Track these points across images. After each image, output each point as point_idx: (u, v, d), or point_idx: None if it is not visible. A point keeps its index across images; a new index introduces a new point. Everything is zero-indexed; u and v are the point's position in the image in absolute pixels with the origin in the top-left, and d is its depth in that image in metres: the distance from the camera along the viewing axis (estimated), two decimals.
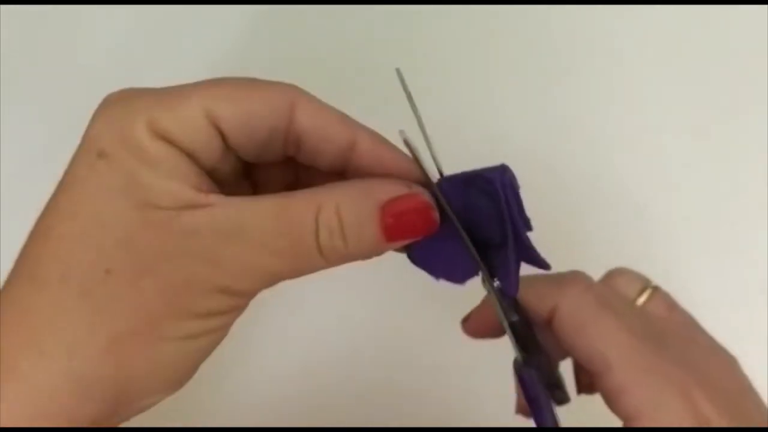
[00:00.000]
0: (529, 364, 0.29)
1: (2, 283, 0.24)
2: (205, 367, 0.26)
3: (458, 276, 0.28)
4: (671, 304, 0.32)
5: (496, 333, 0.33)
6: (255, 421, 0.43)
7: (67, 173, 0.25)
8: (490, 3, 0.49)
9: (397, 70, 0.27)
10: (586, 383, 0.32)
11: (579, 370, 0.33)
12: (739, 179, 0.50)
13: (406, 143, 0.26)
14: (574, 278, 0.31)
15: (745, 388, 0.30)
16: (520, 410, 0.34)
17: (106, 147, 0.24)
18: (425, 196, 0.26)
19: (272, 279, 0.25)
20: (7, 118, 0.47)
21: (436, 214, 0.26)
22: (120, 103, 0.25)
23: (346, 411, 0.45)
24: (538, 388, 0.28)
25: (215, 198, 0.24)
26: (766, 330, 0.48)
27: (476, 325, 0.34)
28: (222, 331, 0.26)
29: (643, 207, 0.49)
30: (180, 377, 0.25)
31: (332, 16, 0.49)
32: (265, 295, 0.26)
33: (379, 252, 0.26)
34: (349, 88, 0.49)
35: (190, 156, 0.25)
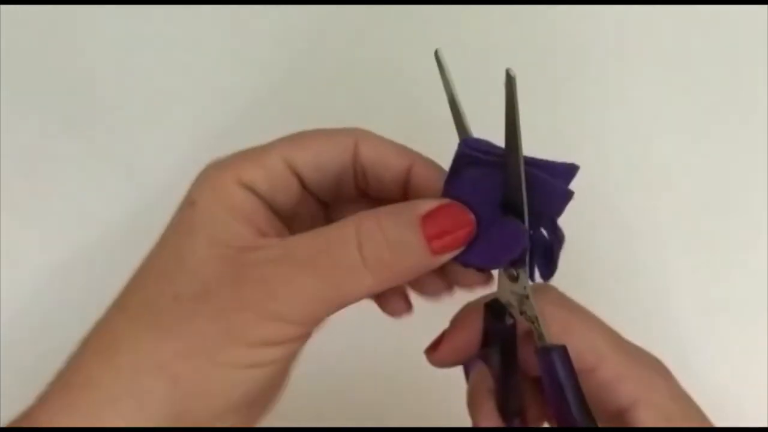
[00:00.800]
0: (556, 347, 0.29)
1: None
2: None
3: (517, 248, 0.27)
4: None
5: (469, 355, 0.33)
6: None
7: (168, 225, 0.28)
8: (491, 3, 0.49)
9: (437, 51, 0.28)
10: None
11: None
12: (739, 180, 0.50)
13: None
14: (546, 286, 0.32)
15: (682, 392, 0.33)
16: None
17: (196, 197, 0.27)
18: (459, 207, 0.27)
19: (319, 304, 0.26)
20: (7, 117, 0.47)
21: (472, 221, 0.27)
22: (214, 164, 0.28)
23: (346, 411, 0.45)
24: (569, 370, 0.29)
25: (276, 240, 0.27)
26: (766, 331, 0.48)
27: (451, 348, 0.33)
28: (276, 366, 0.26)
29: (642, 207, 0.49)
30: (239, 405, 0.26)
31: (319, 15, 0.49)
32: None
33: (426, 266, 0.27)
34: (347, 86, 0.50)
35: (270, 201, 0.28)
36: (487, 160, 0.27)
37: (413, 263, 0.26)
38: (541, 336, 0.29)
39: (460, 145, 0.27)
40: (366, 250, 0.26)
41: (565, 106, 0.50)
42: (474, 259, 0.27)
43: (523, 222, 0.27)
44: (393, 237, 0.26)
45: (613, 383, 0.30)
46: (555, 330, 0.30)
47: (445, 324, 0.33)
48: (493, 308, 0.31)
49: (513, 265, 0.29)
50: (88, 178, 0.48)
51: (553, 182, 0.26)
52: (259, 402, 0.27)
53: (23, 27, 0.48)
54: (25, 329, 0.46)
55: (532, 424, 0.33)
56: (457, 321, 0.33)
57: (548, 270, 0.28)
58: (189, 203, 0.27)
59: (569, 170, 0.27)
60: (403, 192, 0.29)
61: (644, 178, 0.50)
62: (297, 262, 0.26)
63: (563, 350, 0.29)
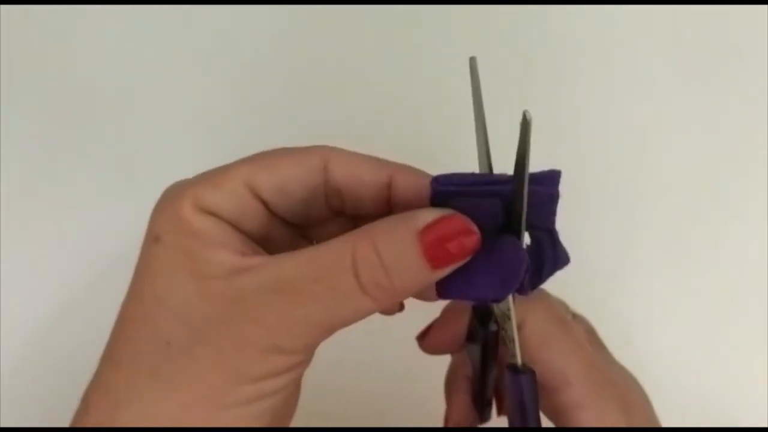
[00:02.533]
0: (526, 370, 0.29)
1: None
2: None
3: (506, 285, 0.26)
4: (589, 328, 0.34)
5: (455, 348, 0.34)
6: None
7: (136, 263, 0.27)
8: (490, 3, 0.49)
9: (472, 59, 0.27)
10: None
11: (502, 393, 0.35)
12: (739, 180, 0.50)
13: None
14: (540, 295, 0.32)
15: (651, 407, 0.33)
16: (454, 425, 0.35)
17: (159, 232, 0.26)
18: (463, 217, 0.26)
19: (319, 330, 0.25)
20: (7, 117, 0.47)
21: (476, 231, 0.26)
22: (170, 191, 0.27)
23: (345, 411, 0.45)
24: (535, 393, 0.29)
25: (259, 259, 0.25)
26: (766, 330, 0.48)
27: (436, 341, 0.34)
28: (286, 391, 0.26)
29: (642, 207, 0.49)
30: None
31: (328, 16, 0.49)
32: None
33: (427, 281, 0.25)
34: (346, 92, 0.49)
35: (237, 226, 0.26)
36: (467, 192, 0.26)
37: (413, 283, 0.25)
38: (513, 356, 0.29)
39: (432, 185, 0.26)
40: (363, 276, 0.24)
41: (564, 105, 0.50)
42: (451, 287, 0.26)
43: (520, 242, 0.26)
44: (390, 259, 0.24)
45: (571, 409, 0.30)
46: (532, 343, 0.30)
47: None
48: (480, 313, 0.32)
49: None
50: (87, 180, 0.48)
51: (540, 192, 0.26)
52: (276, 422, 0.26)
53: (23, 27, 0.48)
54: (26, 332, 0.46)
55: (504, 414, 0.35)
56: (445, 315, 0.34)
57: (533, 284, 0.27)
58: (153, 240, 0.26)
59: (552, 177, 0.26)
60: (387, 206, 0.28)
61: (644, 178, 0.50)
62: (290, 291, 0.24)
63: (532, 376, 0.29)
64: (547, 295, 0.33)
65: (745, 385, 0.47)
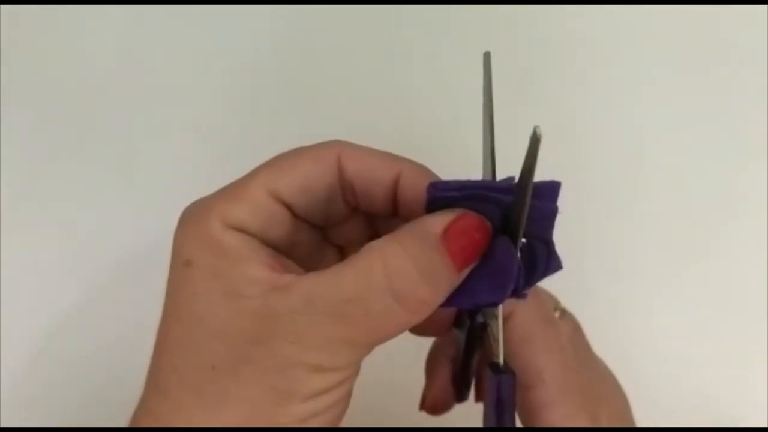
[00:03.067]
0: (507, 371, 0.29)
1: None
2: None
3: (509, 276, 0.26)
4: (576, 327, 0.34)
5: (441, 332, 0.34)
6: None
7: (167, 284, 0.26)
8: (490, 3, 0.49)
9: (486, 54, 0.26)
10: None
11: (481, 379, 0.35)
12: (739, 180, 0.50)
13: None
14: (531, 290, 0.31)
15: (629, 409, 0.34)
16: (430, 406, 0.35)
17: (189, 255, 0.25)
18: (473, 214, 0.25)
19: (359, 349, 0.25)
20: (7, 118, 0.47)
21: (488, 223, 0.25)
22: (194, 209, 0.26)
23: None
24: (513, 394, 0.29)
25: (289, 278, 0.24)
26: (765, 331, 0.48)
27: (425, 322, 0.34)
28: (340, 406, 0.25)
29: (641, 207, 0.49)
30: None
31: (328, 17, 0.49)
32: None
33: (454, 285, 0.25)
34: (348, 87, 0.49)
35: (264, 238, 0.26)
36: (465, 196, 0.25)
37: (445, 289, 0.25)
38: (496, 355, 0.29)
39: (428, 191, 0.26)
40: (399, 291, 0.24)
41: (563, 105, 0.50)
42: (476, 298, 0.26)
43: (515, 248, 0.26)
44: (424, 269, 0.24)
45: (540, 408, 0.30)
46: (514, 336, 0.30)
47: None
48: None
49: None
50: (87, 180, 0.48)
51: (540, 206, 0.25)
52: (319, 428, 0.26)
53: (22, 28, 0.48)
54: (25, 332, 0.46)
55: (483, 399, 0.35)
56: (430, 373, 0.35)
57: (524, 287, 0.27)
58: (184, 264, 0.25)
59: (552, 188, 0.26)
60: (393, 203, 0.28)
61: (643, 177, 0.50)
62: (324, 313, 0.24)
63: (512, 377, 0.29)
64: (537, 291, 0.32)
65: (745, 385, 0.47)
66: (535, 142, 0.22)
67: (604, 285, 0.48)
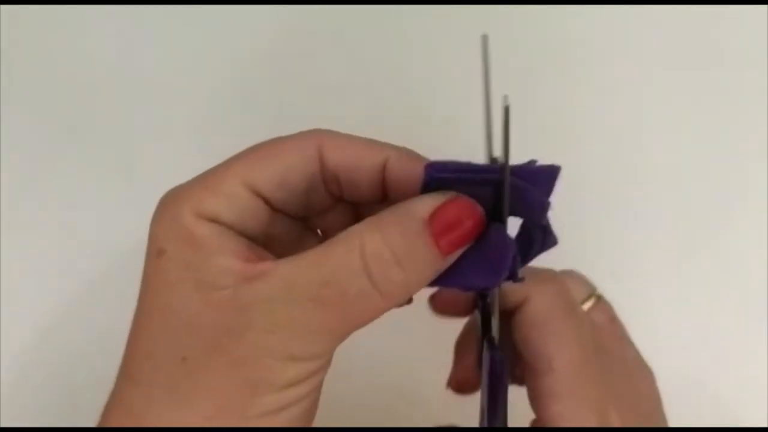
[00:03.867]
0: (502, 348, 0.29)
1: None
2: None
3: (505, 259, 0.25)
4: (612, 316, 0.34)
5: (462, 311, 0.34)
6: None
7: (142, 275, 0.26)
8: (490, 3, 0.49)
9: (484, 37, 0.26)
10: (518, 375, 0.33)
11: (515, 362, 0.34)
12: (739, 180, 0.50)
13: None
14: (553, 277, 0.31)
15: (657, 406, 0.32)
16: (456, 385, 0.35)
17: (162, 244, 0.25)
18: (466, 198, 0.25)
19: (334, 336, 0.24)
20: (7, 117, 0.47)
21: (480, 209, 0.25)
22: (168, 199, 0.26)
23: (343, 411, 0.45)
24: (506, 372, 0.29)
25: (266, 265, 0.24)
26: (765, 330, 0.48)
27: (445, 302, 0.34)
28: (310, 398, 0.25)
29: (640, 207, 0.49)
30: None
31: (328, 17, 0.49)
32: None
33: (438, 270, 0.25)
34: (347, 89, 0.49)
35: (239, 229, 0.25)
36: (460, 179, 0.25)
37: (426, 274, 0.24)
38: (491, 330, 0.29)
39: (426, 171, 0.25)
40: (375, 274, 0.23)
41: (562, 105, 0.50)
42: (467, 281, 0.25)
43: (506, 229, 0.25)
44: (402, 252, 0.24)
45: (546, 397, 0.29)
46: (529, 321, 0.30)
47: (445, 323, 0.34)
48: None
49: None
50: (86, 178, 0.48)
51: (532, 193, 0.25)
52: (300, 427, 0.26)
53: (22, 28, 0.48)
54: (26, 332, 0.46)
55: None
56: None
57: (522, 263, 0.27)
58: (157, 254, 0.25)
59: (551, 173, 0.25)
60: (383, 190, 0.27)
61: (644, 178, 0.50)
62: (301, 298, 0.23)
63: (505, 358, 0.28)
64: (564, 278, 0.32)
65: (745, 385, 0.47)
66: (505, 112, 0.22)
67: (604, 285, 0.48)
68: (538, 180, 0.25)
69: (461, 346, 0.36)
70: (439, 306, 0.34)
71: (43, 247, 0.47)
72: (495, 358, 0.28)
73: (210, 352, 0.24)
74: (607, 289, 0.48)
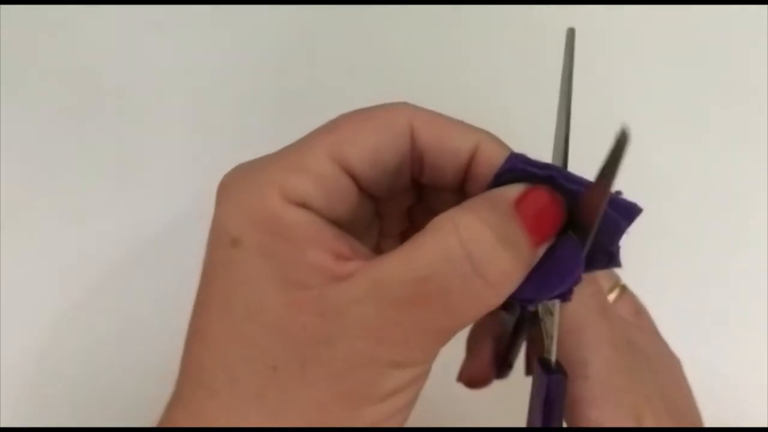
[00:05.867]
0: (558, 371, 0.28)
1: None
2: None
3: (573, 275, 0.23)
4: (638, 308, 0.32)
5: (489, 376, 0.33)
6: None
7: (205, 266, 0.23)
8: (489, 3, 0.49)
9: (570, 30, 0.24)
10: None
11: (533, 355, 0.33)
12: (739, 182, 0.50)
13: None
14: (587, 277, 0.30)
15: (689, 401, 0.31)
16: (468, 380, 0.33)
17: (238, 233, 0.22)
18: (548, 189, 0.23)
19: (438, 337, 0.22)
20: (7, 117, 0.47)
21: (562, 200, 0.23)
22: (240, 178, 0.23)
23: None
24: (562, 395, 0.28)
25: (354, 265, 0.21)
26: (766, 330, 0.48)
27: (471, 373, 0.33)
28: (413, 404, 0.23)
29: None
30: None
31: (328, 17, 0.49)
32: None
33: (532, 263, 0.22)
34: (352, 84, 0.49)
35: (327, 214, 0.22)
36: (541, 176, 0.23)
37: (527, 263, 0.22)
38: (549, 352, 0.28)
39: (509, 159, 0.23)
40: (479, 260, 0.21)
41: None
42: (536, 292, 0.23)
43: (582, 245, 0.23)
44: (504, 236, 0.21)
45: (581, 403, 0.28)
46: (562, 327, 0.28)
47: None
48: None
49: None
50: (87, 178, 0.48)
51: (612, 216, 0.24)
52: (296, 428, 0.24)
53: (22, 28, 0.48)
54: (25, 333, 0.46)
55: (530, 375, 0.34)
56: (470, 347, 0.34)
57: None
58: (231, 244, 0.22)
59: (631, 209, 0.24)
60: (463, 178, 0.24)
61: (644, 179, 0.50)
62: (397, 299, 0.21)
63: (563, 379, 0.27)
64: (594, 279, 0.30)
65: (745, 384, 0.47)
66: (622, 141, 0.20)
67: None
68: (618, 210, 0.24)
69: (475, 341, 0.34)
70: (466, 380, 0.33)
71: (41, 246, 0.47)
72: (552, 383, 0.27)
73: (303, 362, 0.21)
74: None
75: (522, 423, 0.31)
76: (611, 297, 0.32)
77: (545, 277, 0.23)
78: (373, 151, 0.23)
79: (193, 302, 0.24)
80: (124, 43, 0.49)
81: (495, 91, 0.47)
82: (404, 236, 0.28)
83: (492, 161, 0.24)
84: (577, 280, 0.23)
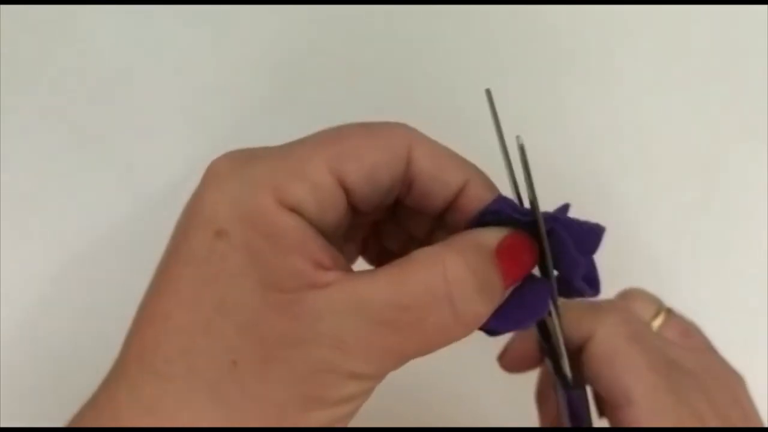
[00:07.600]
0: (576, 386, 0.29)
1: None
2: None
3: (537, 311, 0.25)
4: (685, 329, 0.33)
5: (531, 365, 0.33)
6: None
7: (181, 250, 0.23)
8: (488, 3, 0.49)
9: (487, 91, 0.25)
10: (598, 408, 0.32)
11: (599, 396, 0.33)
12: (739, 179, 0.50)
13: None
14: (613, 307, 0.31)
15: (747, 414, 0.31)
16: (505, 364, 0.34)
17: (225, 225, 0.22)
18: (524, 234, 0.24)
19: (400, 358, 0.23)
20: (7, 117, 0.47)
21: (536, 247, 0.25)
22: (237, 170, 0.23)
23: None
24: (587, 407, 0.29)
25: (333, 276, 0.22)
26: (766, 331, 0.48)
27: (511, 359, 0.33)
28: (351, 416, 0.24)
29: (641, 205, 0.49)
30: None
31: (321, 15, 0.49)
32: None
33: (500, 302, 0.24)
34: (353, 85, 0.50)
35: (317, 223, 0.23)
36: (517, 220, 0.24)
37: (493, 305, 0.23)
38: (565, 370, 0.29)
39: (496, 201, 0.25)
40: (458, 301, 0.22)
41: (562, 105, 0.50)
42: (501, 324, 0.25)
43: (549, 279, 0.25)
44: (483, 281, 0.22)
45: (632, 427, 0.29)
46: (597, 357, 0.29)
47: None
48: (540, 328, 0.30)
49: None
50: (87, 177, 0.48)
51: (570, 250, 0.25)
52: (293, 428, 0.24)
53: (22, 27, 0.48)
54: (24, 330, 0.46)
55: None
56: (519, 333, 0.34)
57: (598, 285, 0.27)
58: (215, 234, 0.22)
59: (595, 232, 0.25)
60: (446, 207, 0.25)
61: (644, 178, 0.50)
62: (375, 318, 0.22)
63: (583, 393, 0.28)
64: (625, 306, 0.31)
65: (750, 383, 0.47)
66: (521, 150, 0.22)
67: (604, 285, 0.48)
68: (582, 238, 0.25)
69: (542, 397, 0.35)
70: (508, 362, 0.33)
71: (41, 246, 0.47)
72: (572, 397, 0.28)
73: (266, 361, 0.22)
74: (608, 289, 0.48)
75: (523, 423, 0.31)
76: (657, 322, 0.33)
77: (510, 312, 0.24)
78: (371, 169, 0.24)
79: (153, 279, 0.23)
80: (124, 43, 0.49)
81: (495, 91, 0.47)
82: (365, 243, 0.30)
83: (479, 198, 0.25)
84: (540, 315, 0.25)
